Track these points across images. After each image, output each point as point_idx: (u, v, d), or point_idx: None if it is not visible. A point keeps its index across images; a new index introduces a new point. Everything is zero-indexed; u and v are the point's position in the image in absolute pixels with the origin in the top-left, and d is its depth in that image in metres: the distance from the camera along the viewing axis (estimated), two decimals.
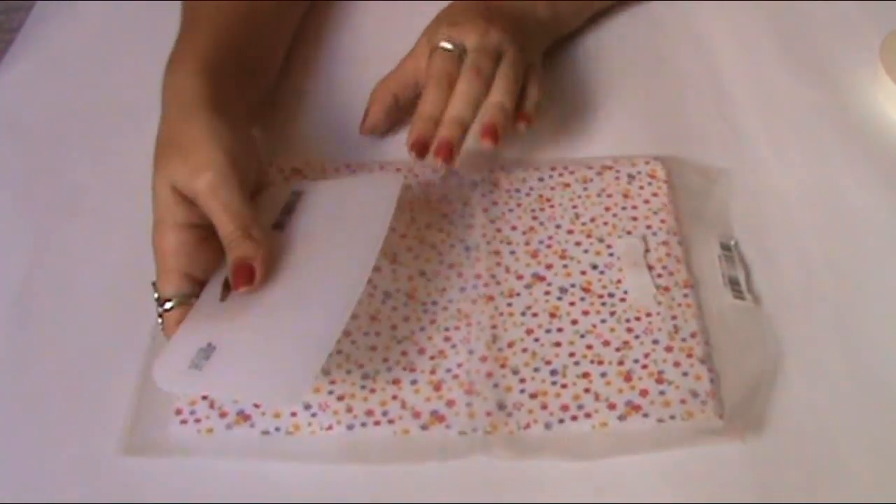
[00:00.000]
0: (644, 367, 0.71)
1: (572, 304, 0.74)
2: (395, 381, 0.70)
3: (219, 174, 0.70)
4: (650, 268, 0.76)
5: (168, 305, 0.71)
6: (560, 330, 0.73)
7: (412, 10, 0.91)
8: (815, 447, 0.67)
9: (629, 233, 0.79)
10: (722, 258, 0.76)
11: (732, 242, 0.78)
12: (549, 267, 0.77)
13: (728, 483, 0.65)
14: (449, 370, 0.71)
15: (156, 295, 0.71)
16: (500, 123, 0.79)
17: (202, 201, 0.71)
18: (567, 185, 0.83)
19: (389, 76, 0.86)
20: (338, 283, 0.70)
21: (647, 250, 0.78)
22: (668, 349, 0.71)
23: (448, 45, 0.83)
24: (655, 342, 0.72)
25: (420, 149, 0.78)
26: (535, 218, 0.80)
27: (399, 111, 0.86)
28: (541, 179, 0.83)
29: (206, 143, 0.72)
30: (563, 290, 0.75)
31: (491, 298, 0.75)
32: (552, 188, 0.83)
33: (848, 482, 0.65)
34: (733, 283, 0.75)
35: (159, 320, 0.71)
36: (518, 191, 0.83)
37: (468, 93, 0.79)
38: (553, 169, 0.84)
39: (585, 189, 0.82)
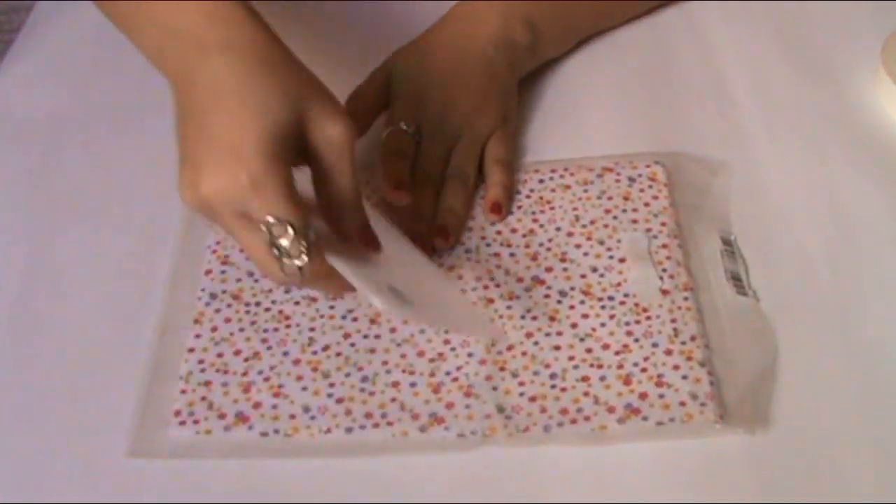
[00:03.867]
0: (643, 370, 0.70)
1: (572, 307, 0.74)
2: (395, 384, 0.70)
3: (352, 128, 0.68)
4: None
5: (311, 236, 0.65)
6: (559, 333, 0.73)
7: (413, 10, 0.91)
8: (815, 445, 0.67)
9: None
10: (723, 253, 0.76)
11: (732, 237, 0.77)
12: (548, 270, 0.77)
13: (728, 481, 0.65)
14: (448, 373, 0.71)
15: (290, 228, 0.63)
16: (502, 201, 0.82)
17: (335, 150, 0.66)
18: (567, 187, 0.83)
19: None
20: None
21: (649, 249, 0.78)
22: (668, 352, 0.71)
23: (404, 126, 0.83)
24: (655, 345, 0.72)
25: (445, 237, 0.79)
26: (535, 220, 0.80)
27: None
28: (541, 181, 0.83)
29: (332, 97, 0.68)
30: (562, 294, 0.75)
31: (490, 301, 0.75)
32: (552, 190, 0.83)
33: (848, 481, 0.65)
34: (735, 279, 0.75)
35: (297, 261, 0.64)
36: (518, 192, 0.82)
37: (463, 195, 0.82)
38: (553, 171, 0.84)
39: (586, 191, 0.82)
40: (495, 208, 0.80)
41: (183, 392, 0.70)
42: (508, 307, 0.74)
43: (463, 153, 0.83)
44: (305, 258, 0.64)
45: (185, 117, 0.66)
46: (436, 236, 0.78)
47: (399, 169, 0.81)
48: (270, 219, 0.63)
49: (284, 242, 0.64)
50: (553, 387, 0.70)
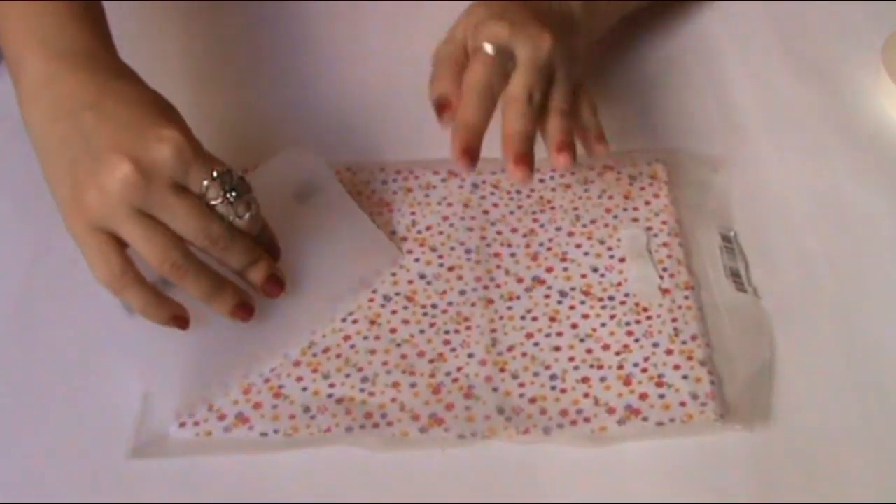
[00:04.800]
0: (644, 370, 0.70)
1: (572, 307, 0.74)
2: (395, 385, 0.70)
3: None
4: None
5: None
6: (560, 334, 0.73)
7: (415, 10, 0.91)
8: (815, 445, 0.67)
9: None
10: (723, 250, 0.76)
11: (732, 233, 0.77)
12: (549, 270, 0.77)
13: (728, 480, 0.65)
14: (448, 374, 0.71)
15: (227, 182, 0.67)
16: (571, 138, 0.74)
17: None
18: (568, 186, 0.83)
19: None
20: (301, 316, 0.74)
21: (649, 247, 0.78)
22: (669, 352, 0.71)
23: (490, 50, 0.74)
24: (655, 345, 0.72)
25: (469, 160, 0.72)
26: (535, 220, 0.80)
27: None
28: (541, 180, 0.83)
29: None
30: (563, 294, 0.75)
31: (491, 302, 0.75)
32: (553, 189, 0.82)
33: (848, 480, 0.65)
34: (734, 275, 0.75)
35: (245, 214, 0.68)
36: (519, 192, 0.82)
37: (522, 126, 0.73)
38: (554, 170, 0.84)
39: (586, 190, 0.82)
40: (561, 147, 0.72)
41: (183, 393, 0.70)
42: (509, 308, 0.74)
43: (562, 81, 0.75)
44: (255, 206, 0.68)
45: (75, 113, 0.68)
46: (556, 152, 0.72)
47: (476, 122, 0.73)
48: (206, 181, 0.66)
49: (232, 195, 0.67)
50: (553, 388, 0.70)
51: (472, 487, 0.66)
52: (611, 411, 0.69)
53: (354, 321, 0.74)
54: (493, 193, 0.82)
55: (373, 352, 0.72)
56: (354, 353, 0.72)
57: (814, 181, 0.83)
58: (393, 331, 0.74)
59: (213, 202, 0.67)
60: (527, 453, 0.67)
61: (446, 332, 0.73)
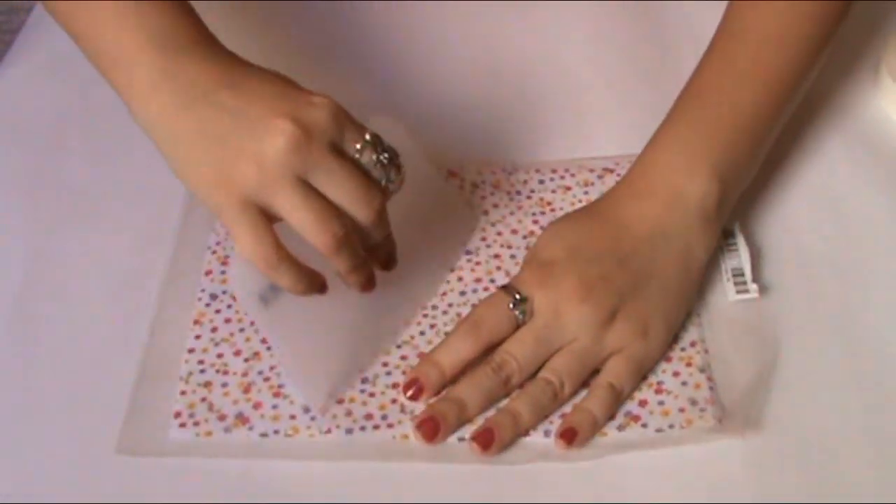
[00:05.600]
0: (643, 377, 0.70)
1: None
2: (395, 386, 0.70)
3: None
4: None
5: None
6: None
7: (415, 11, 0.91)
8: (815, 446, 0.67)
9: None
10: (724, 250, 0.76)
11: (734, 227, 0.77)
12: None
13: (727, 482, 0.65)
14: None
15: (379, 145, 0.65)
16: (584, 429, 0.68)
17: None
18: (568, 188, 0.83)
19: None
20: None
21: None
22: (668, 359, 0.71)
23: (511, 302, 0.70)
24: None
25: (415, 392, 0.69)
26: (535, 222, 0.80)
27: None
28: (541, 182, 0.83)
29: None
30: None
31: None
32: (553, 191, 0.82)
33: (847, 481, 0.65)
34: (736, 276, 0.75)
35: (395, 176, 0.66)
36: (519, 193, 0.82)
37: (487, 388, 0.69)
38: (554, 171, 0.84)
39: (586, 193, 0.82)
40: (567, 435, 0.67)
41: (183, 393, 0.70)
42: None
43: (571, 360, 0.69)
44: (404, 170, 0.66)
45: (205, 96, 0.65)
46: (472, 440, 0.67)
47: (466, 350, 0.70)
48: (359, 144, 0.64)
49: (384, 157, 0.65)
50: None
51: (473, 489, 0.66)
52: (611, 417, 0.68)
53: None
54: (492, 194, 0.82)
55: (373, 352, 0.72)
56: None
57: (813, 180, 0.83)
58: (393, 332, 0.74)
59: (367, 166, 0.65)
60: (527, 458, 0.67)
61: (446, 334, 0.73)
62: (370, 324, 0.73)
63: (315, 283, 0.66)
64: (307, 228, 0.63)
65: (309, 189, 0.63)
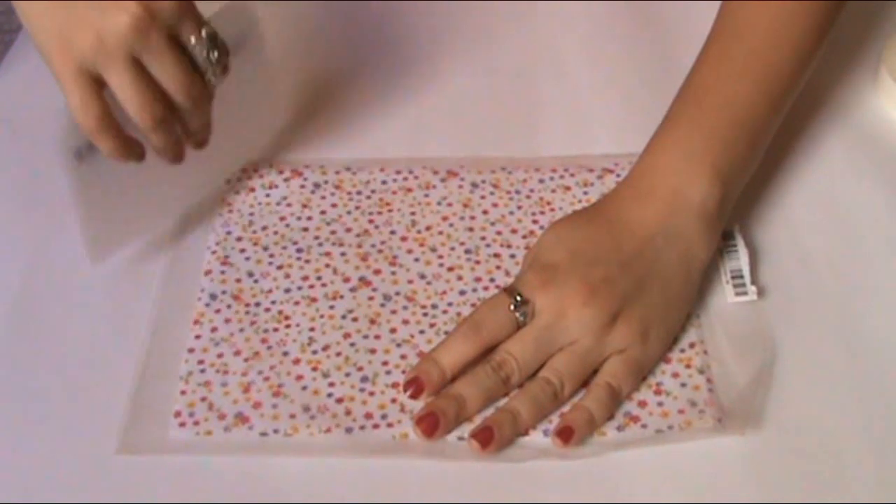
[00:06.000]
0: (642, 378, 0.70)
1: None
2: (395, 385, 0.70)
3: None
4: None
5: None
6: None
7: (415, 10, 0.91)
8: (815, 446, 0.67)
9: None
10: (723, 252, 0.76)
11: (734, 229, 0.77)
12: None
13: (727, 482, 0.65)
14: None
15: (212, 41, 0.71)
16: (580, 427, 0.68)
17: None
18: (568, 188, 0.83)
19: None
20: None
21: None
22: (667, 360, 0.71)
23: (512, 304, 0.70)
24: None
25: (415, 391, 0.69)
26: (535, 221, 0.80)
27: None
28: (541, 181, 0.83)
29: None
30: None
31: None
32: (553, 191, 0.82)
33: (847, 481, 0.65)
34: (735, 277, 0.75)
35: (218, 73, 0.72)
36: (518, 192, 0.82)
37: (487, 386, 0.69)
38: (554, 171, 0.84)
39: (586, 193, 0.82)
40: (564, 433, 0.67)
41: (183, 393, 0.70)
42: None
43: (572, 360, 0.69)
44: (228, 70, 0.72)
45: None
46: (471, 438, 0.67)
47: (462, 352, 0.69)
48: (194, 37, 0.70)
49: (214, 55, 0.71)
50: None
51: (473, 489, 0.66)
52: (610, 417, 0.68)
53: (354, 319, 0.74)
54: (492, 193, 0.82)
55: (373, 351, 0.72)
56: (354, 352, 0.72)
57: (813, 180, 0.83)
58: (393, 331, 0.74)
59: (196, 58, 0.70)
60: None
61: (446, 333, 0.73)
62: (168, 187, 0.79)
63: (133, 153, 0.72)
64: (131, 105, 0.69)
65: (140, 69, 0.68)
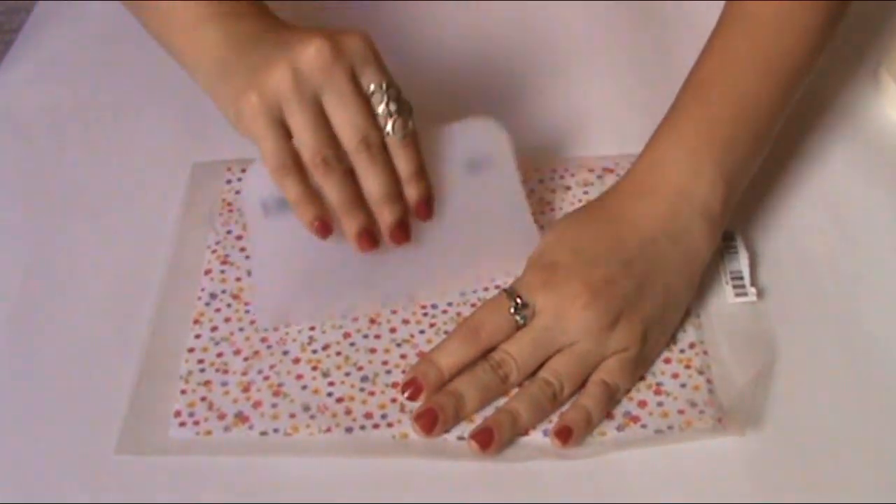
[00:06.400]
0: (642, 378, 0.70)
1: None
2: (395, 385, 0.70)
3: None
4: None
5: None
6: None
7: (414, 10, 0.91)
8: (815, 446, 0.67)
9: None
10: (723, 253, 0.76)
11: (734, 231, 0.77)
12: None
13: (727, 482, 0.65)
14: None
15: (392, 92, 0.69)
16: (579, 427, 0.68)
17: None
18: (568, 188, 0.83)
19: None
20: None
21: None
22: (667, 361, 0.71)
23: (512, 307, 0.70)
24: None
25: (413, 392, 0.69)
26: (535, 221, 0.80)
27: None
28: (541, 181, 0.83)
29: None
30: None
31: None
32: (553, 191, 0.82)
33: (847, 481, 0.65)
34: (735, 279, 0.75)
35: (404, 124, 0.69)
36: None
37: (485, 384, 0.69)
38: (554, 171, 0.84)
39: (586, 193, 0.82)
40: (563, 433, 0.67)
41: (183, 392, 0.70)
42: None
43: (572, 361, 0.69)
44: (411, 125, 0.69)
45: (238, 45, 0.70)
46: (471, 439, 0.67)
47: (460, 354, 0.69)
48: (374, 85, 0.68)
49: (393, 107, 0.68)
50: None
51: (473, 489, 0.66)
52: (610, 417, 0.68)
53: (354, 319, 0.74)
54: None
55: (373, 351, 0.72)
56: (355, 352, 0.72)
57: (813, 181, 0.83)
58: (393, 330, 0.74)
59: (374, 106, 0.68)
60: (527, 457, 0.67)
61: (447, 333, 0.73)
62: (354, 282, 0.74)
63: (318, 213, 0.69)
64: (306, 144, 0.68)
65: (319, 111, 0.68)
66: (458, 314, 0.74)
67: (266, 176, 0.69)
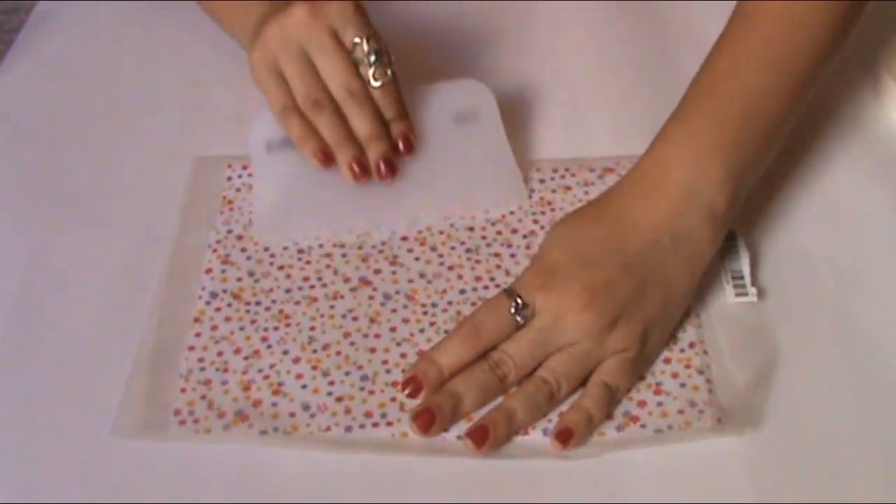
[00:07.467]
0: (642, 378, 0.70)
1: None
2: (395, 384, 0.70)
3: None
4: None
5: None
6: None
7: (414, 10, 0.91)
8: (815, 446, 0.67)
9: None
10: (724, 253, 0.76)
11: (734, 230, 0.77)
12: None
13: (728, 482, 0.65)
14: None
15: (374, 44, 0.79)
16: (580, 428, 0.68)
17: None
18: (568, 188, 0.83)
19: None
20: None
21: None
22: (667, 360, 0.71)
23: (512, 306, 0.70)
24: None
25: (413, 390, 0.69)
26: (535, 221, 0.80)
27: None
28: (542, 181, 0.83)
29: None
30: None
31: None
32: (553, 191, 0.82)
33: (847, 481, 0.65)
34: (735, 278, 0.75)
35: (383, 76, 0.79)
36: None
37: (483, 383, 0.69)
38: (555, 171, 0.84)
39: (587, 193, 0.82)
40: (563, 435, 0.67)
41: (183, 391, 0.70)
42: None
43: (570, 361, 0.69)
44: (389, 73, 0.79)
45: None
46: (466, 436, 0.67)
47: (441, 360, 0.69)
48: (357, 39, 0.78)
49: (372, 58, 0.79)
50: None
51: (472, 489, 0.66)
52: (610, 417, 0.68)
53: (354, 318, 0.74)
54: None
55: (373, 350, 0.72)
56: (354, 351, 0.72)
57: (813, 181, 0.83)
58: (393, 329, 0.74)
59: (357, 59, 0.79)
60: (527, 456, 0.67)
61: (447, 332, 0.72)
62: (350, 205, 0.81)
63: (319, 145, 0.79)
64: (298, 89, 0.79)
65: (307, 61, 0.79)
66: (459, 313, 0.74)
67: (270, 121, 0.81)
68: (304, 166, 0.80)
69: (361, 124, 0.79)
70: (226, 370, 0.71)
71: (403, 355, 0.72)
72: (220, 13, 0.89)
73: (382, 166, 0.79)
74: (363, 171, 0.79)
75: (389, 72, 0.79)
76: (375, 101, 0.79)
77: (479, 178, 0.82)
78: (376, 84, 0.79)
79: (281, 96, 0.79)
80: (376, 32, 0.79)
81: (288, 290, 0.76)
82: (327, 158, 0.79)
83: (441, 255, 0.78)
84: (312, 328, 0.74)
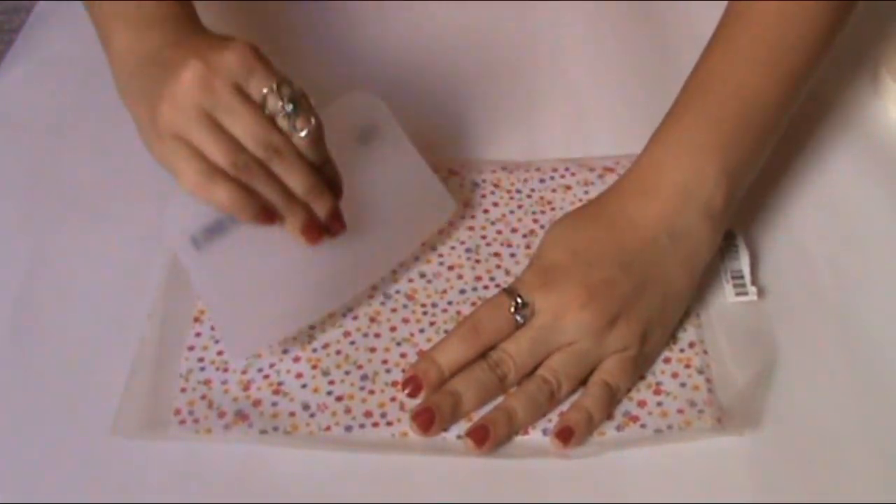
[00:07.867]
0: (642, 377, 0.70)
1: None
2: (395, 384, 0.70)
3: None
4: None
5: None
6: None
7: (414, 10, 0.91)
8: (815, 445, 0.67)
9: None
10: (724, 252, 0.76)
11: (735, 231, 0.77)
12: None
13: (728, 482, 0.65)
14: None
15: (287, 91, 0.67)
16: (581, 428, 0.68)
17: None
18: (568, 187, 0.83)
19: None
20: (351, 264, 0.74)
21: None
22: (667, 360, 0.71)
23: (512, 305, 0.70)
24: None
25: (413, 389, 0.69)
26: (535, 221, 0.80)
27: None
28: (542, 181, 0.83)
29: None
30: None
31: None
32: (553, 191, 0.83)
33: (847, 481, 0.65)
34: (735, 278, 0.75)
35: (304, 128, 0.67)
36: (519, 192, 0.83)
37: (483, 382, 0.69)
38: (555, 170, 0.84)
39: (587, 192, 0.82)
40: (564, 434, 0.67)
41: (183, 390, 0.70)
42: None
43: (570, 360, 0.69)
44: (313, 120, 0.67)
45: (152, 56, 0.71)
46: (466, 436, 0.67)
47: (440, 359, 0.70)
48: (265, 90, 0.66)
49: (289, 107, 0.66)
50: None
51: (472, 489, 0.66)
52: (610, 417, 0.68)
53: (355, 318, 0.74)
54: (493, 193, 0.82)
55: (373, 349, 0.72)
56: (354, 350, 0.72)
57: (813, 180, 0.83)
58: (393, 329, 0.74)
59: (272, 111, 0.66)
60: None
61: (446, 331, 0.72)
62: (306, 280, 0.73)
63: (259, 207, 0.67)
64: (218, 157, 0.66)
65: (216, 124, 0.66)
66: (458, 313, 0.74)
67: (185, 208, 0.69)
68: (244, 257, 0.71)
69: (297, 181, 0.68)
70: (226, 370, 0.72)
71: (403, 355, 0.72)
72: (100, 27, 0.77)
73: (334, 222, 0.70)
74: (320, 232, 0.69)
75: (313, 119, 0.67)
76: (301, 151, 0.68)
77: (409, 203, 0.78)
78: (302, 134, 0.67)
79: (195, 164, 0.65)
80: (285, 77, 0.67)
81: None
82: (271, 217, 0.68)
83: (441, 255, 0.78)
84: (312, 327, 0.74)
